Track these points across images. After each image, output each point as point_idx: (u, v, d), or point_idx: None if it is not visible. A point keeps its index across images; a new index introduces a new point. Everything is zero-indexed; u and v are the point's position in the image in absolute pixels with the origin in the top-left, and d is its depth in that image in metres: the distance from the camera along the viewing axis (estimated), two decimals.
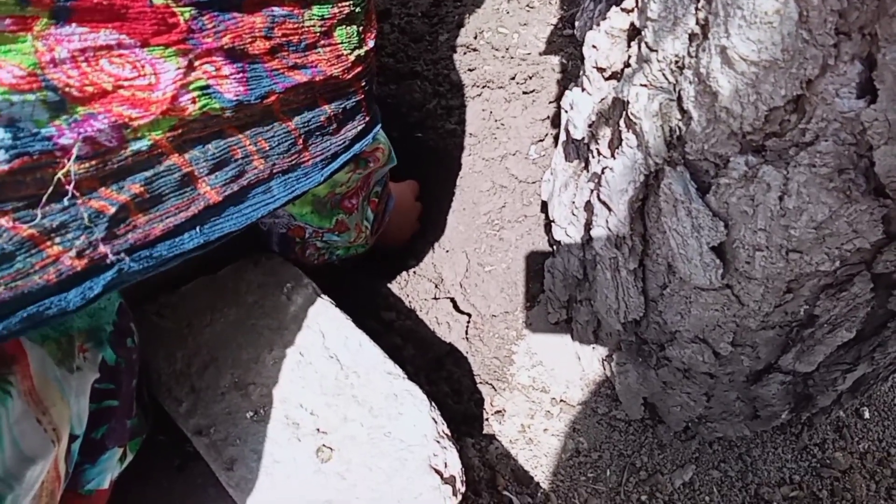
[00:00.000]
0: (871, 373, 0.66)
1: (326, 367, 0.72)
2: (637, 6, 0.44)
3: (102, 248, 0.45)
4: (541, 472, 0.91)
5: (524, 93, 1.27)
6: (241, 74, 0.47)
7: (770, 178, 0.41)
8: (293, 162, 0.55)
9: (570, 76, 1.28)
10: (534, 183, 1.18)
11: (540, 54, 1.33)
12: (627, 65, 0.46)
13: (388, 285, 1.11)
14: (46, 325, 0.44)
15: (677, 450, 0.91)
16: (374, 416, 0.69)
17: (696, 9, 0.37)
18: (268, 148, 0.53)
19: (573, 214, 0.72)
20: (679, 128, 0.47)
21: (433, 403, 0.72)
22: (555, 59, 1.32)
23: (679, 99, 0.44)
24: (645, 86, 0.45)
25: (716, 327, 0.62)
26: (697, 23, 0.38)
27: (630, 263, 0.61)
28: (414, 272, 1.14)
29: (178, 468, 0.80)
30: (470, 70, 1.32)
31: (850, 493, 0.90)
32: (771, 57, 0.34)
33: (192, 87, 0.45)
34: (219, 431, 0.69)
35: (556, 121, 1.23)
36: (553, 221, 0.79)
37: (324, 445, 0.67)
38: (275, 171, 0.54)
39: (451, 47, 1.36)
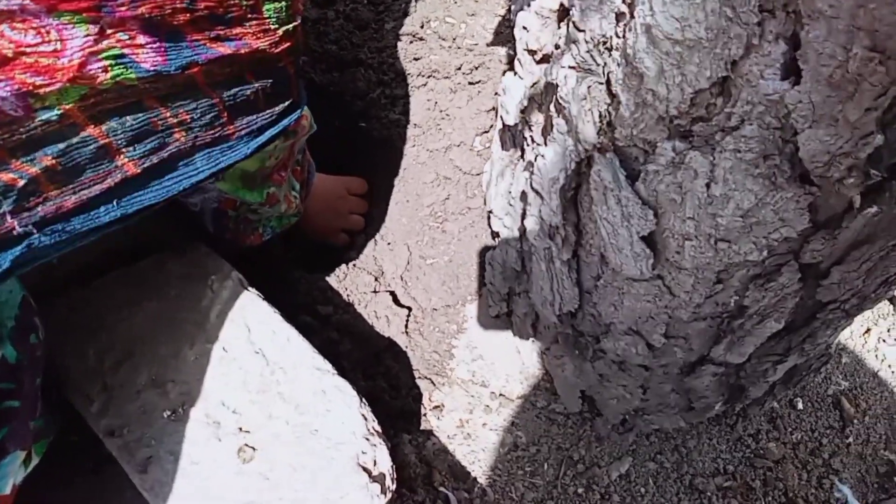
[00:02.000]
0: (803, 364, 0.66)
1: (251, 362, 0.69)
2: None
3: (10, 221, 0.42)
4: (478, 468, 0.90)
5: (470, 83, 1.25)
6: (157, 44, 0.44)
7: (697, 164, 0.40)
8: (217, 135, 0.53)
9: None
10: (478, 175, 1.16)
11: (487, 45, 1.32)
12: (557, 47, 0.45)
13: (326, 278, 1.08)
14: None
15: (615, 442, 0.91)
16: (301, 414, 0.66)
17: None
18: (189, 120, 0.50)
19: (510, 205, 0.71)
20: (608, 112, 0.45)
21: (363, 400, 0.69)
22: (501, 51, 1.30)
23: (608, 82, 0.43)
24: (573, 68, 0.43)
25: (648, 319, 0.61)
26: (624, 0, 0.36)
27: (563, 254, 0.60)
28: (353, 265, 1.10)
29: (92, 470, 0.75)
30: (415, 59, 1.29)
31: (783, 483, 0.91)
32: (695, 36, 0.33)
33: (103, 55, 0.42)
34: (132, 432, 0.65)
35: None
36: (491, 212, 0.77)
37: (246, 445, 0.64)
38: (198, 143, 0.52)
39: (396, 36, 1.33)
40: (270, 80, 0.53)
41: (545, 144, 0.53)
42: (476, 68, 1.28)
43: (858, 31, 0.28)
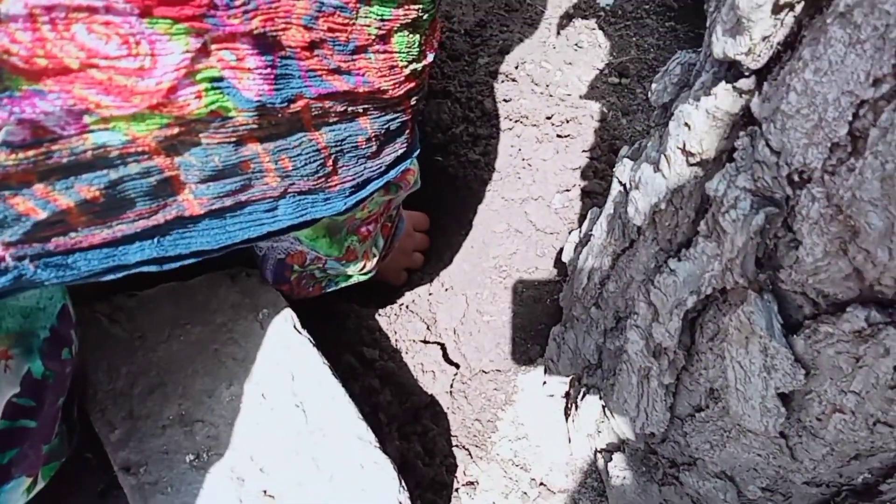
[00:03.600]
0: None
1: (289, 416, 0.62)
2: (760, 92, 0.34)
3: (0, 252, 0.35)
4: None
5: (558, 136, 1.18)
6: (268, 70, 0.37)
7: (893, 343, 0.32)
8: (316, 186, 0.45)
9: (610, 127, 1.19)
10: (552, 234, 1.09)
11: (580, 97, 1.25)
12: (730, 158, 0.37)
13: (377, 316, 1.01)
14: None
15: None
16: (333, 488, 0.59)
17: (855, 115, 0.28)
18: (290, 168, 0.42)
19: (602, 297, 0.63)
20: (776, 247, 0.38)
21: (403, 484, 0.62)
22: (595, 106, 1.23)
23: (789, 215, 0.35)
24: (750, 191, 0.35)
25: (751, 470, 0.52)
26: (851, 132, 0.29)
27: (665, 378, 0.52)
28: (406, 307, 1.04)
29: (100, 494, 0.69)
30: (505, 101, 1.23)
31: None
32: None
33: (199, 76, 0.34)
34: (150, 472, 0.58)
35: (586, 172, 1.14)
36: (576, 296, 0.69)
37: None
38: (289, 190, 0.44)
39: (489, 73, 1.28)
40: (387, 126, 0.46)
41: (678, 259, 0.45)
42: (567, 121, 1.21)
43: None
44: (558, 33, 1.33)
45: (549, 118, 1.21)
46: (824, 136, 0.31)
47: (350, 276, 0.76)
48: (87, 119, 0.32)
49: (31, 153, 0.31)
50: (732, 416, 0.47)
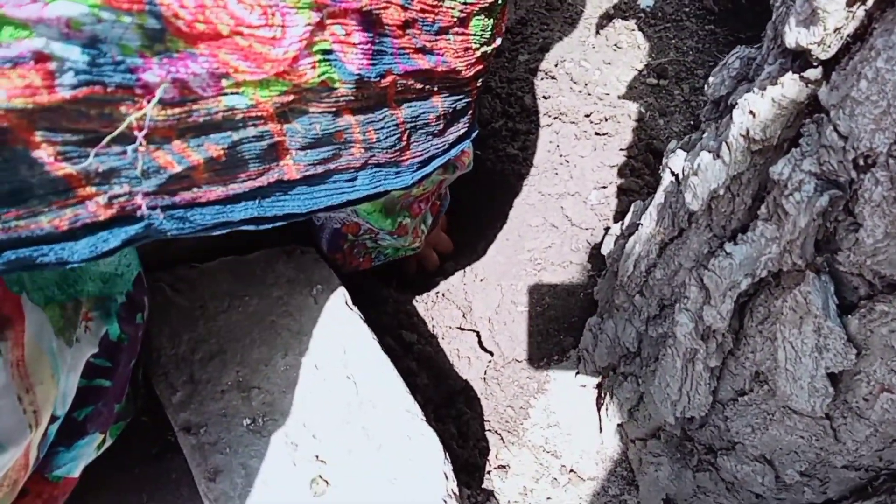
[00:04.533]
0: None
1: (341, 387, 0.65)
2: (828, 81, 0.36)
3: (139, 200, 0.38)
4: None
5: (597, 133, 1.20)
6: (368, 45, 0.40)
7: None
8: (392, 158, 0.48)
9: (647, 127, 1.21)
10: (587, 229, 1.10)
11: (619, 97, 1.27)
12: (795, 144, 0.39)
13: (415, 302, 1.04)
14: (35, 270, 0.37)
15: None
16: (382, 457, 0.62)
17: None
18: (374, 140, 0.45)
19: (647, 284, 0.65)
20: (835, 230, 0.39)
21: (447, 456, 0.64)
22: (633, 106, 1.25)
23: (851, 198, 0.37)
24: (815, 175, 0.37)
25: (791, 453, 0.54)
26: None
27: (712, 361, 0.54)
28: (443, 295, 1.06)
29: (155, 455, 0.72)
30: (545, 98, 1.25)
31: None
32: None
33: (315, 48, 0.38)
34: (209, 433, 0.61)
35: (623, 170, 1.16)
36: (619, 285, 0.71)
37: (320, 476, 0.60)
38: (370, 162, 0.47)
39: (529, 70, 1.30)
40: (454, 105, 0.49)
41: (734, 242, 0.47)
42: (606, 119, 1.23)
43: None
44: (598, 33, 1.34)
45: (587, 116, 1.23)
46: (892, 122, 0.32)
47: (399, 250, 0.79)
48: (224, 82, 0.35)
49: (177, 110, 0.34)
50: (779, 397, 0.49)
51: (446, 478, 0.62)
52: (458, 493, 0.64)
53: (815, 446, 0.51)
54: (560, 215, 1.13)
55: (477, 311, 1.05)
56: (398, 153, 0.47)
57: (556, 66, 1.31)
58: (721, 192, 0.47)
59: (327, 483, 0.60)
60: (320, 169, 0.44)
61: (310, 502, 0.59)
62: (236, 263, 0.71)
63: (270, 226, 0.44)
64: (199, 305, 0.68)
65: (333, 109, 0.40)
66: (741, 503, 0.67)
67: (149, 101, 0.33)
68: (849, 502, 0.57)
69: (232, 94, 0.36)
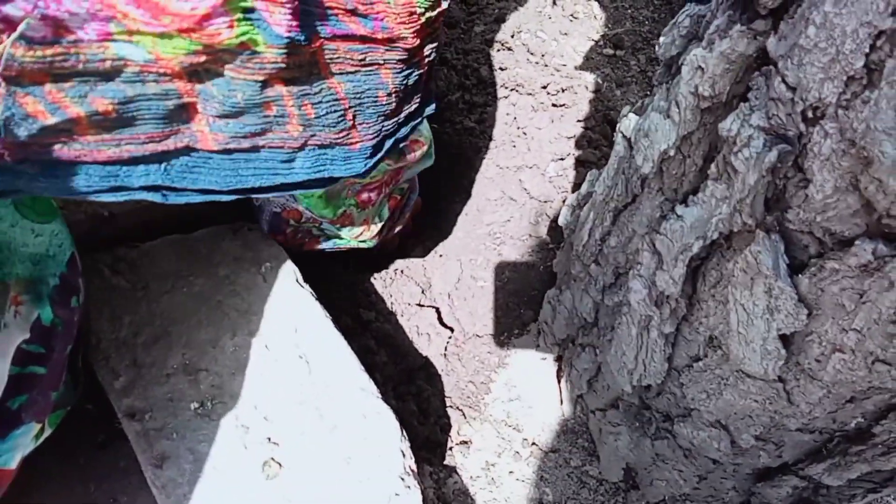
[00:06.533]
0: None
1: (293, 367, 0.63)
2: (776, 31, 0.35)
3: (0, 149, 0.34)
4: None
5: (554, 105, 1.19)
6: (293, 3, 0.36)
7: None
8: (337, 139, 0.45)
9: (604, 98, 1.20)
10: (546, 202, 1.09)
11: (576, 68, 1.25)
12: (744, 99, 0.38)
13: (372, 280, 1.02)
14: None
15: None
16: (336, 437, 0.60)
17: (872, 46, 0.29)
18: (313, 116, 0.42)
19: (602, 253, 0.64)
20: (784, 188, 0.39)
21: (404, 433, 0.63)
22: (590, 77, 1.24)
23: (801, 154, 0.36)
24: (764, 129, 0.36)
25: (746, 417, 0.54)
26: (867, 64, 0.30)
27: (666, 326, 0.53)
28: (401, 272, 1.04)
29: (101, 444, 0.69)
30: (501, 69, 1.23)
31: None
32: None
33: (233, 5, 0.34)
34: (155, 419, 0.59)
35: (581, 142, 1.15)
36: (575, 255, 0.70)
37: (272, 459, 0.58)
38: (310, 142, 0.44)
39: (485, 41, 1.27)
40: (406, 82, 0.46)
41: (685, 204, 0.46)
42: (562, 90, 1.22)
43: None
44: (554, 3, 1.32)
45: (544, 87, 1.21)
46: (840, 70, 0.31)
47: (344, 240, 0.76)
48: (112, 27, 0.32)
49: (48, 52, 0.31)
50: (732, 361, 0.48)
51: (403, 455, 0.61)
52: (416, 470, 0.62)
53: (769, 410, 0.51)
54: (518, 188, 1.12)
55: (436, 288, 1.03)
56: (344, 134, 0.44)
57: (512, 37, 1.29)
58: (671, 153, 0.46)
59: (280, 465, 0.58)
60: (245, 143, 0.41)
61: (262, 485, 0.57)
62: (180, 242, 0.68)
63: (184, 200, 0.41)
64: (141, 287, 0.65)
65: (260, 77, 0.37)
66: (699, 469, 0.68)
67: (7, 36, 0.29)
68: (804, 465, 0.58)
69: (124, 42, 0.33)
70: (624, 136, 0.57)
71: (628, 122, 0.57)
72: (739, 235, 0.43)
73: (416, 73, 0.46)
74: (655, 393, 0.64)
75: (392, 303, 0.99)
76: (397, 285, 1.02)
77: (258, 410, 0.60)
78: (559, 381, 0.91)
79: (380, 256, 1.08)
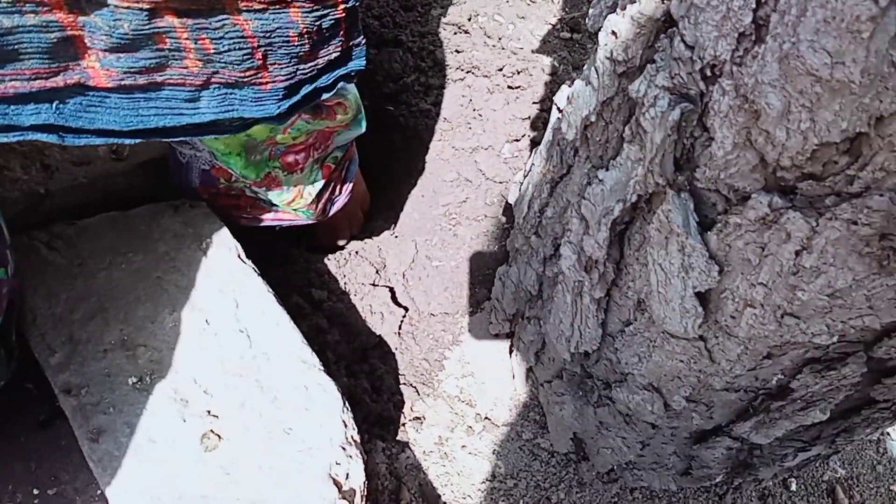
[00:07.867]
0: (823, 454, 0.61)
1: (233, 341, 0.63)
2: None
3: None
4: (450, 492, 0.84)
5: (509, 87, 1.20)
6: None
7: (794, 226, 0.35)
8: (244, 78, 0.44)
9: (560, 80, 1.21)
10: (501, 182, 1.10)
11: (532, 51, 1.26)
12: (651, 61, 0.39)
13: (326, 261, 1.02)
14: None
15: (597, 491, 0.85)
16: (277, 408, 0.60)
17: (759, 1, 0.30)
18: (212, 51, 0.41)
19: (541, 224, 0.65)
20: (692, 147, 0.40)
21: (347, 404, 0.63)
22: (546, 60, 1.25)
23: (703, 112, 0.37)
24: (668, 89, 0.37)
25: (675, 378, 0.55)
26: (755, 20, 0.31)
27: (596, 292, 0.54)
28: (356, 252, 1.05)
29: (41, 424, 0.69)
30: (457, 52, 1.23)
31: None
32: (845, 77, 0.27)
33: None
34: (91, 394, 0.58)
35: (536, 123, 1.16)
36: (517, 228, 0.71)
37: (212, 431, 0.58)
38: (214, 80, 0.43)
39: (441, 24, 1.27)
40: (319, 22, 0.45)
41: (606, 169, 0.47)
42: (518, 72, 1.22)
43: None
44: None
45: (500, 70, 1.22)
46: (732, 27, 0.32)
47: (278, 206, 0.74)
48: None
49: None
50: (655, 321, 0.50)
51: (345, 425, 0.62)
52: (358, 441, 0.63)
53: (695, 369, 0.52)
54: (474, 169, 1.13)
55: (391, 268, 1.04)
56: (252, 73, 0.43)
57: (469, 20, 1.29)
58: (593, 118, 0.47)
59: (219, 437, 0.58)
60: (141, 80, 0.40)
61: (201, 457, 0.57)
62: (118, 219, 0.68)
63: (83, 142, 0.40)
64: (78, 263, 0.64)
65: (146, 6, 0.36)
66: (640, 435, 0.69)
67: None
68: (734, 426, 0.60)
69: None
70: (558, 108, 0.58)
71: (560, 94, 0.57)
72: (656, 196, 0.44)
73: (331, 15, 0.45)
74: (594, 361, 0.65)
75: (346, 283, 1.00)
76: (351, 266, 1.02)
77: (197, 384, 0.60)
78: (511, 357, 0.92)
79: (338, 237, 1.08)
